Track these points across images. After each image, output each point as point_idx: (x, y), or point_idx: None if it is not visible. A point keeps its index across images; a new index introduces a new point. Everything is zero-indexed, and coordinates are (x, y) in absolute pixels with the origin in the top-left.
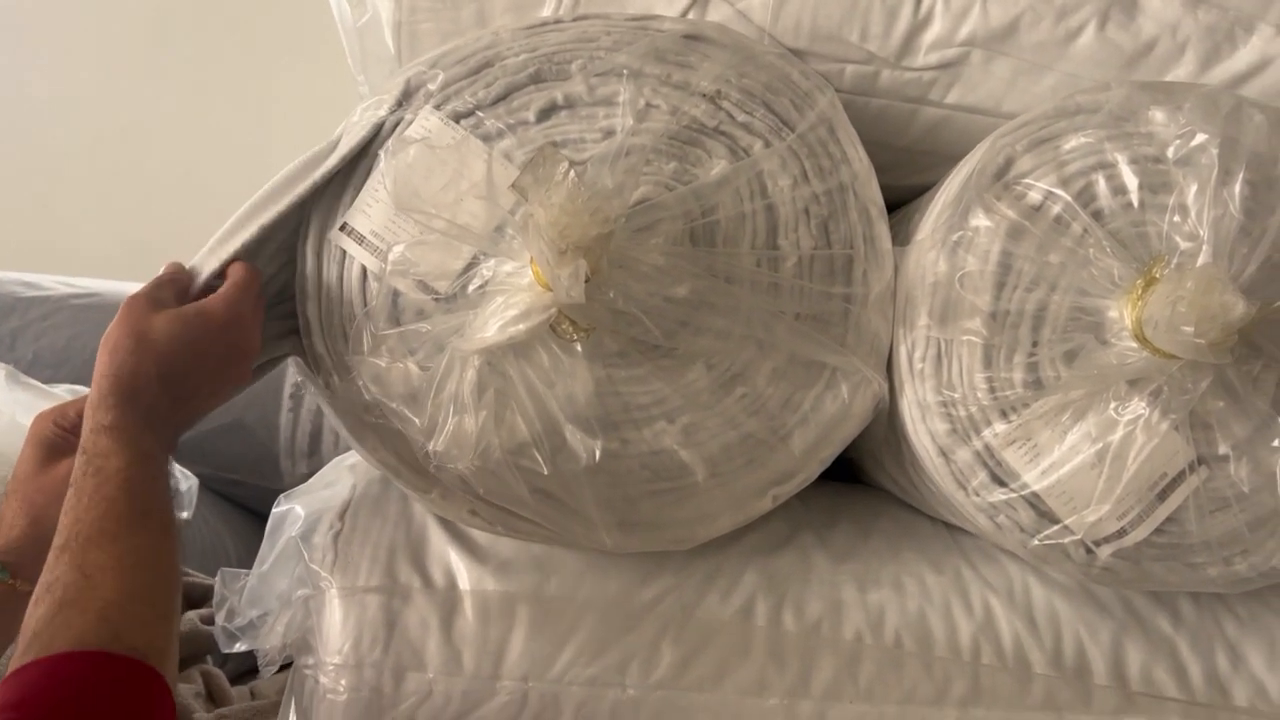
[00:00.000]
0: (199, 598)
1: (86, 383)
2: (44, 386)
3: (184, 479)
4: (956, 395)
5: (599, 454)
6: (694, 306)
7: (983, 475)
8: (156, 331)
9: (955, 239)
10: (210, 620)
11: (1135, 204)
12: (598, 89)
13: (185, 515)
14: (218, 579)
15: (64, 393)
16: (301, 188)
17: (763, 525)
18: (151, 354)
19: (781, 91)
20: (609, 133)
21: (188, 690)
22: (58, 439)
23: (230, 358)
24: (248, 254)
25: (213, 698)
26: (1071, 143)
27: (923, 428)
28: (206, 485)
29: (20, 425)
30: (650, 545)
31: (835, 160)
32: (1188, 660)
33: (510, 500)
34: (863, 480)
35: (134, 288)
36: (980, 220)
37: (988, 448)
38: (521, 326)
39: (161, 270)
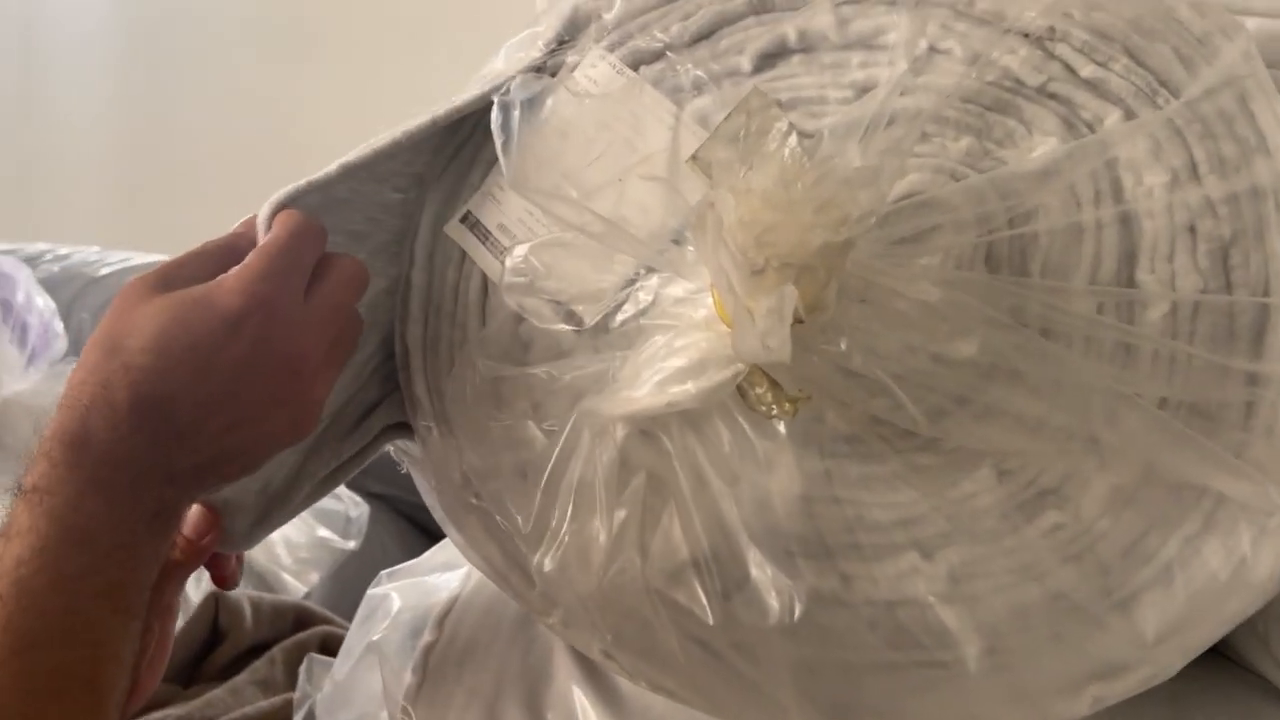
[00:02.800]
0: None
1: None
2: None
3: (354, 505)
4: None
5: (800, 608)
6: (984, 374)
7: None
8: (134, 335)
9: None
10: None
11: None
12: (853, 22)
13: (352, 545)
14: (303, 667)
15: None
16: (397, 134)
17: None
18: (121, 369)
19: (1159, 33)
20: (864, 89)
21: None
22: None
23: (258, 367)
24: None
25: None
26: None
27: None
28: (390, 507)
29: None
30: None
31: (1248, 147)
32: None
33: (654, 658)
34: (1224, 652)
35: None
36: None
37: None
38: (690, 386)
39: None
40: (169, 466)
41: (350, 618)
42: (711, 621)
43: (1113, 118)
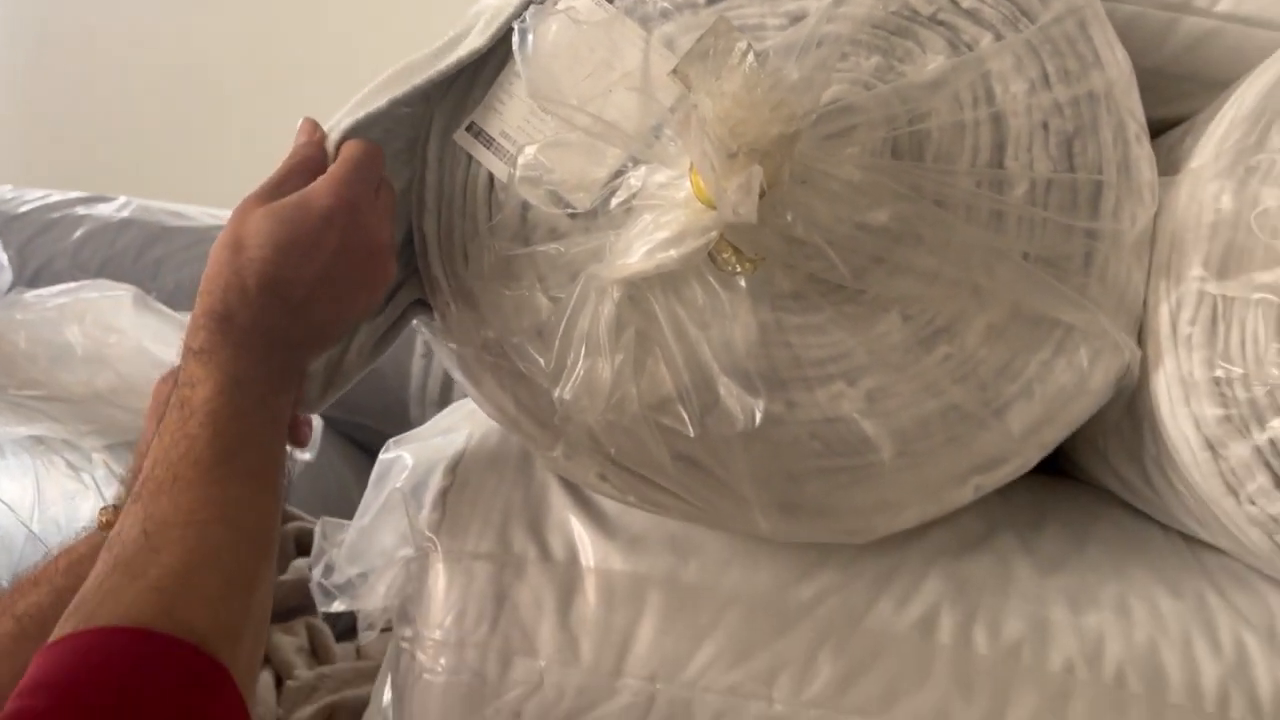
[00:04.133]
0: (311, 544)
1: None
2: (172, 313)
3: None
4: (1238, 372)
5: (760, 417)
6: (894, 238)
7: (1263, 479)
8: (253, 234)
9: (1249, 166)
10: None
11: None
12: None
13: (308, 456)
14: (318, 529)
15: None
16: (434, 69)
17: (952, 521)
18: (247, 261)
19: None
20: (797, 18)
21: (290, 643)
22: None
23: (348, 253)
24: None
25: (316, 654)
26: None
27: (1184, 411)
28: (333, 428)
29: (148, 350)
30: (817, 534)
31: (1086, 62)
32: None
33: (647, 465)
34: (1072, 473)
35: None
36: None
37: (1273, 443)
38: (673, 252)
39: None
40: (289, 332)
41: None
42: (692, 434)
43: (986, 40)
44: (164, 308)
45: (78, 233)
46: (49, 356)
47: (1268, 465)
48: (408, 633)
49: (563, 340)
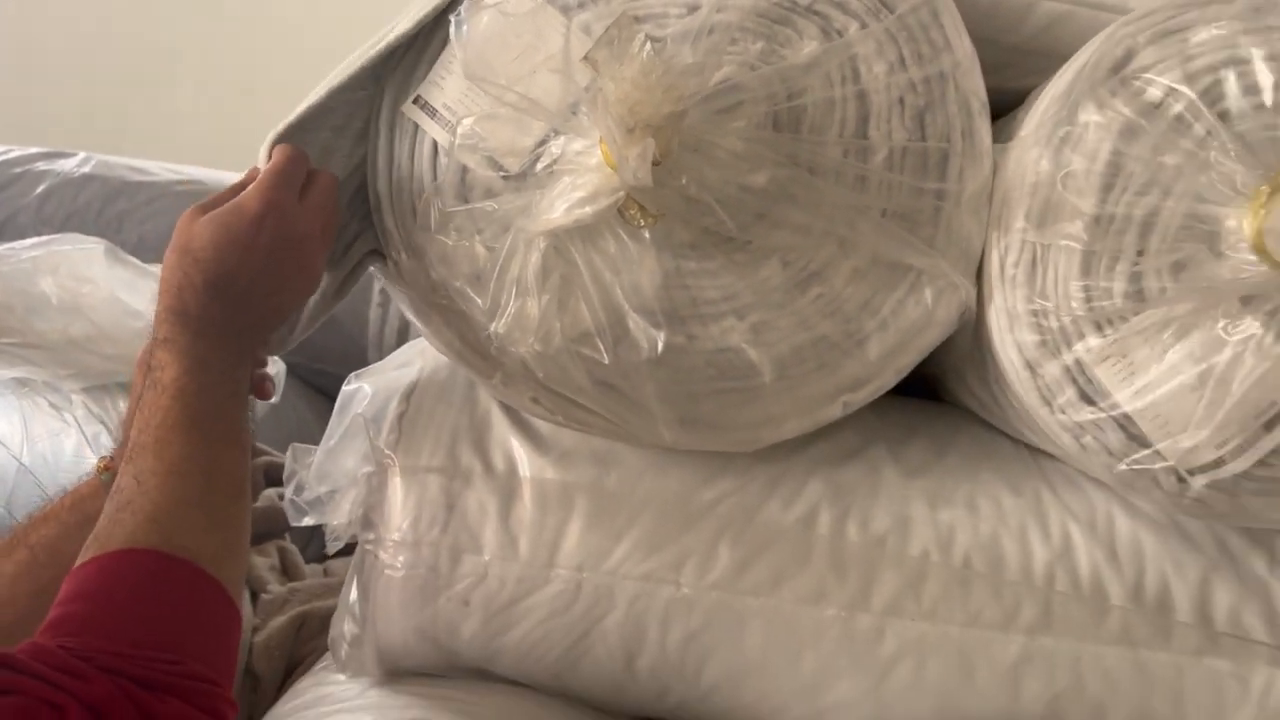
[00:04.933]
0: (279, 477)
1: None
2: (143, 265)
3: (272, 364)
4: (1049, 304)
5: (662, 346)
6: (773, 197)
7: (1071, 392)
8: (196, 239)
9: (1061, 135)
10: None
11: (1269, 104)
12: None
13: (274, 399)
14: (289, 454)
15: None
16: (367, 56)
17: (832, 434)
18: (194, 263)
19: None
20: (694, 8)
21: (263, 563)
22: None
23: (280, 248)
24: (297, 134)
25: (286, 572)
26: (1201, 35)
27: (1010, 339)
28: (295, 373)
29: (120, 299)
30: (712, 444)
31: (936, 47)
32: None
33: (571, 388)
34: (944, 399)
35: (236, 177)
36: (1091, 116)
37: (1079, 363)
38: (588, 209)
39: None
40: (236, 320)
41: None
42: (607, 362)
43: (853, 27)
44: (133, 259)
45: (40, 188)
46: (25, 307)
47: (1074, 381)
48: (370, 536)
49: (497, 283)
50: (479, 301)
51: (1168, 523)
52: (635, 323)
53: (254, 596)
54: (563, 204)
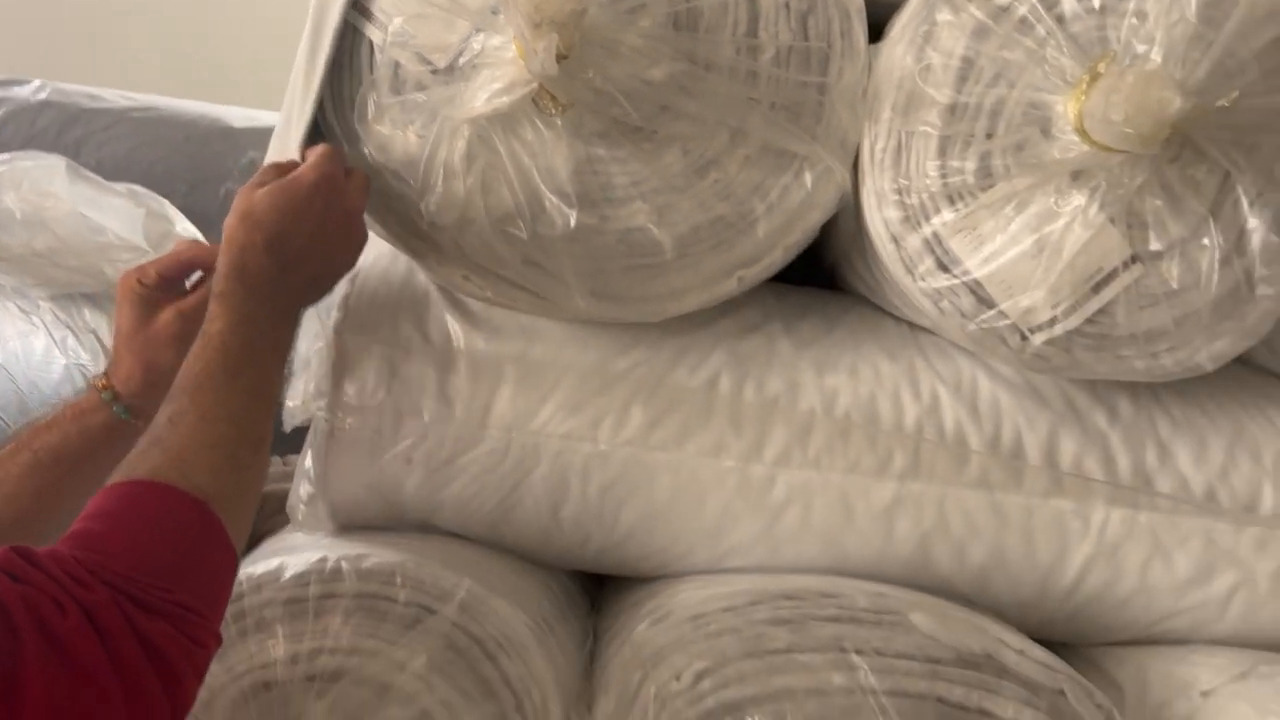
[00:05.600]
0: None
1: (146, 188)
2: (103, 181)
3: None
4: (910, 184)
5: (574, 222)
6: (672, 91)
7: (929, 261)
8: (257, 206)
9: (922, 34)
10: None
11: (1098, 8)
12: None
13: None
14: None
15: (123, 189)
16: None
17: (735, 312)
18: (255, 226)
19: None
20: None
21: None
22: (146, 295)
23: (330, 216)
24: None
25: None
26: None
27: (878, 216)
28: None
29: (80, 215)
30: (623, 315)
31: None
32: (1118, 453)
33: (498, 265)
34: (845, 288)
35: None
36: (946, 17)
37: (936, 235)
38: (505, 99)
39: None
40: (289, 280)
41: None
42: (525, 237)
43: None
44: (94, 175)
45: None
46: None
47: (932, 251)
48: (321, 403)
49: (427, 167)
50: (411, 184)
51: (1023, 384)
52: (550, 202)
53: None
54: (483, 94)
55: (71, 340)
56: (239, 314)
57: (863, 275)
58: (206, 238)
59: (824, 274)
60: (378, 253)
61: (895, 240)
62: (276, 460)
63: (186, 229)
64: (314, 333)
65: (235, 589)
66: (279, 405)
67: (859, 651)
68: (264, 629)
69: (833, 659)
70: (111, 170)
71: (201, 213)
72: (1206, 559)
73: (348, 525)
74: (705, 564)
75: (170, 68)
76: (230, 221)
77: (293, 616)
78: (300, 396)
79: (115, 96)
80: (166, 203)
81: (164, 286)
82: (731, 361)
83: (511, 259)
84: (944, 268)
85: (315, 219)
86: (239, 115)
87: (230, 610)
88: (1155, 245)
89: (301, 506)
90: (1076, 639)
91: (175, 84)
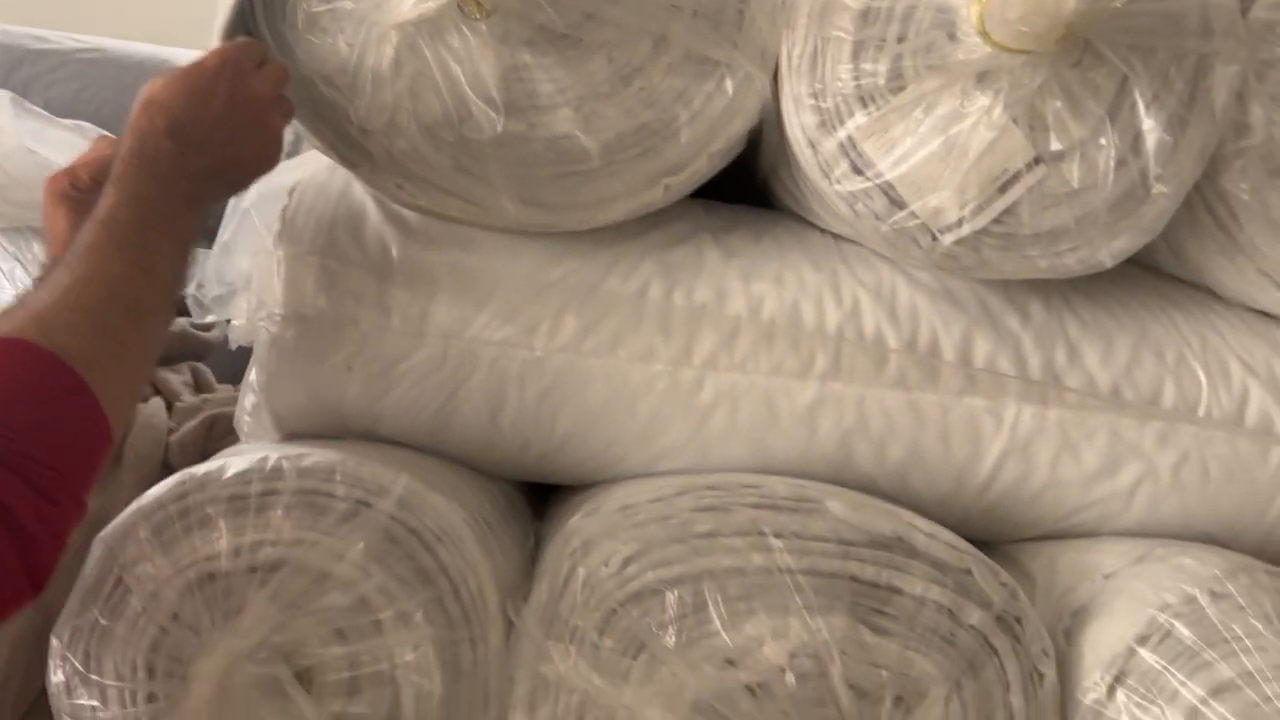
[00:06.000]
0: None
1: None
2: (49, 115)
3: None
4: (825, 88)
5: (500, 127)
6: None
7: (845, 165)
8: (160, 93)
9: None
10: (202, 327)
11: None
12: None
13: None
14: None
15: (71, 125)
16: None
17: (665, 224)
18: (157, 111)
19: None
20: None
21: (176, 379)
22: (77, 199)
23: (235, 103)
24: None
25: (199, 388)
26: None
27: (796, 121)
28: None
29: (26, 149)
30: (553, 222)
31: None
32: (1030, 353)
33: (428, 171)
34: (778, 206)
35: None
36: None
37: (850, 139)
38: (431, 4)
39: None
40: (190, 164)
41: None
42: (454, 142)
43: None
44: (40, 110)
45: None
46: None
47: (847, 155)
48: (263, 313)
49: (356, 74)
50: (342, 91)
51: (940, 289)
52: (478, 108)
53: (169, 406)
54: (410, 0)
55: (20, 272)
56: (131, 192)
57: (789, 187)
58: None
59: (756, 197)
60: (316, 168)
61: (812, 145)
62: (229, 387)
63: None
64: (253, 249)
65: (179, 488)
66: (178, 293)
67: (778, 535)
68: (208, 524)
69: (752, 541)
70: (59, 112)
71: None
72: (1112, 453)
73: (292, 436)
74: (640, 467)
75: (117, 8)
76: (135, 107)
77: (235, 512)
78: (244, 315)
79: (61, 38)
80: (114, 139)
81: (96, 189)
82: (661, 270)
83: (442, 165)
84: (858, 170)
85: (219, 104)
86: (186, 57)
87: (175, 508)
88: (1056, 146)
89: (246, 418)
90: (993, 535)
91: (122, 25)
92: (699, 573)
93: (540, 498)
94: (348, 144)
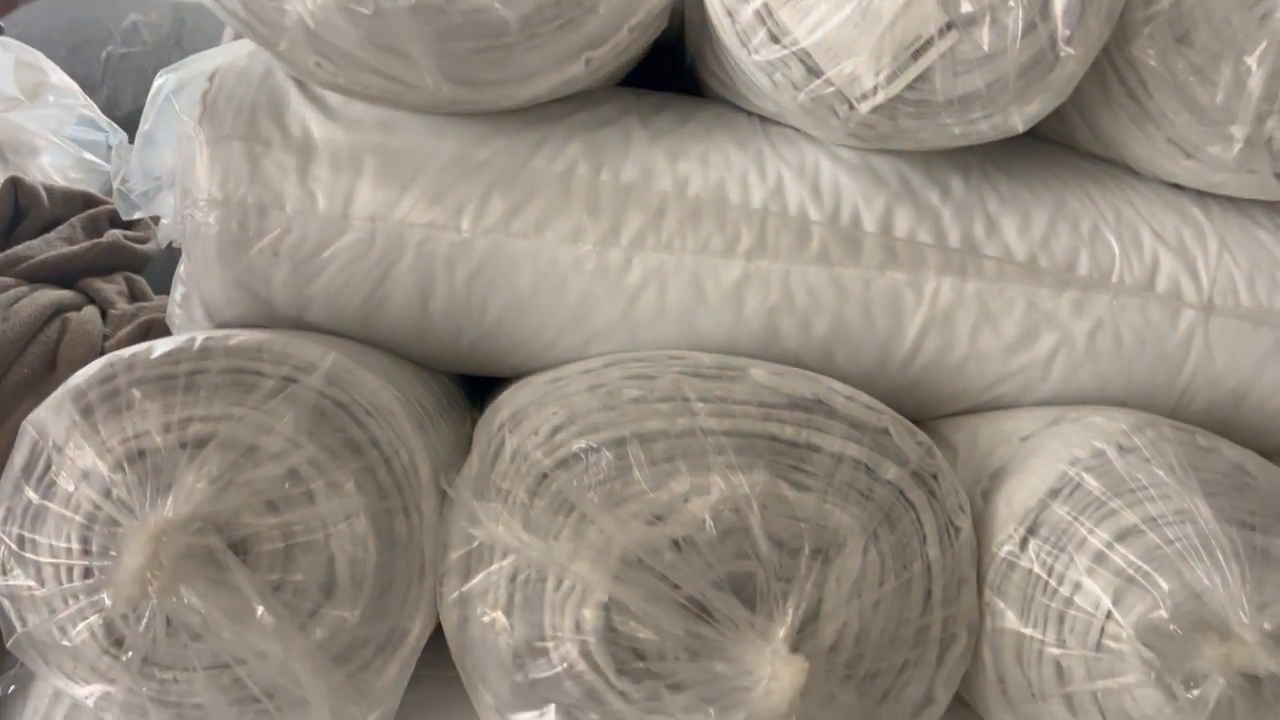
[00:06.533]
0: (124, 222)
1: None
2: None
3: (113, 133)
4: None
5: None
6: None
7: (762, 33)
8: None
9: None
10: (136, 239)
11: None
12: None
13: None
14: (114, 151)
15: None
16: None
17: (592, 107)
18: None
19: None
20: None
21: (111, 289)
22: None
23: None
24: None
25: (134, 297)
26: None
27: None
28: None
29: None
30: (475, 99)
31: None
32: (949, 226)
33: (350, 44)
34: (708, 94)
35: None
36: None
37: (766, 5)
38: None
39: None
40: None
41: None
42: (369, 13)
43: None
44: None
45: None
46: None
47: (764, 23)
48: (186, 201)
49: None
50: None
51: (862, 165)
52: None
53: (104, 314)
54: None
55: None
56: None
57: (713, 69)
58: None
59: (686, 88)
60: (236, 53)
61: (730, 14)
62: (164, 297)
63: (62, 79)
64: (177, 135)
65: (107, 369)
66: None
67: (702, 399)
68: (136, 404)
69: (677, 406)
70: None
71: (83, 77)
72: (1030, 322)
73: (223, 326)
74: (572, 352)
75: None
76: None
77: (164, 391)
78: (170, 211)
79: None
80: (39, 54)
81: None
82: (588, 150)
83: (358, 38)
84: (775, 39)
85: None
86: None
87: (103, 390)
88: (967, 8)
89: (177, 310)
90: (919, 411)
91: None
92: (626, 436)
93: (482, 395)
94: (261, 20)
